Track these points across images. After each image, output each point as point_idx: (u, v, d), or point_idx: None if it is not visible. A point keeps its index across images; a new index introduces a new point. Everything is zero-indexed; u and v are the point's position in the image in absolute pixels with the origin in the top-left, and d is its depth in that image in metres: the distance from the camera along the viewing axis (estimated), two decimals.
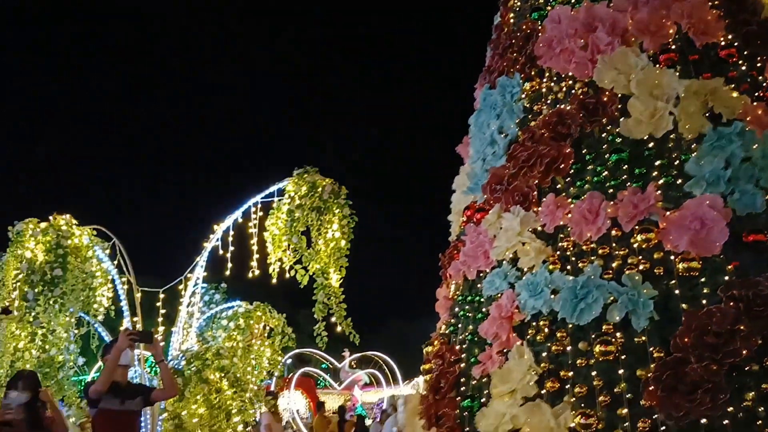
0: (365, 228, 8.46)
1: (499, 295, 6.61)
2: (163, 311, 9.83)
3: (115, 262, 9.35)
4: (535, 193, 6.85)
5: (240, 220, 9.44)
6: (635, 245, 5.83)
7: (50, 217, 8.44)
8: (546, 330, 6.05)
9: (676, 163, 6.12)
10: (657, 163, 6.19)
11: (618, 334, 5.48)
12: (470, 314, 7.18)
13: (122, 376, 4.82)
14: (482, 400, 6.33)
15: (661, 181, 6.05)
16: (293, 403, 19.66)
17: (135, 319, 9.19)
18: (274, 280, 8.54)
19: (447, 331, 7.61)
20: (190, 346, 9.57)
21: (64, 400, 8.69)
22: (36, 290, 8.01)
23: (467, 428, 6.36)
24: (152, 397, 4.90)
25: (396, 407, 9.52)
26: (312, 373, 24.04)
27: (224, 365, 8.77)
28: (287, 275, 8.59)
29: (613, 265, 5.84)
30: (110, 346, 4.84)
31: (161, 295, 9.91)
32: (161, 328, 9.53)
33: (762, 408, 4.89)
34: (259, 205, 9.17)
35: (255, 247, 8.98)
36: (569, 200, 6.45)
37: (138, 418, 4.87)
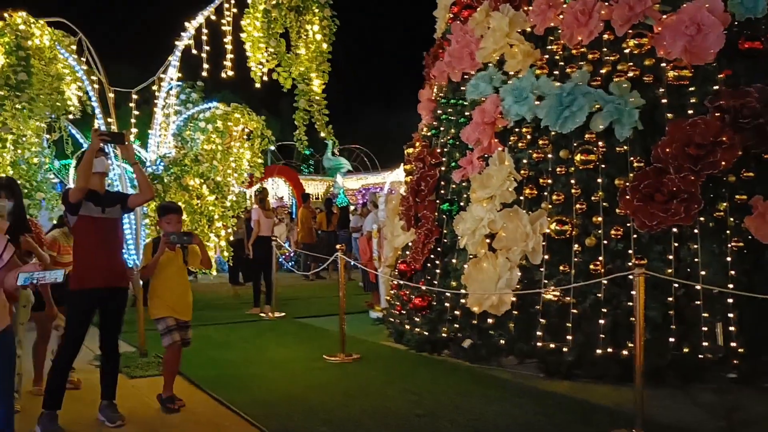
0: (344, 13, 7.93)
1: (483, 99, 6.46)
2: (136, 113, 9.54)
3: (83, 59, 8.90)
4: None
5: (213, 17, 8.86)
6: (627, 51, 5.59)
7: (5, 15, 7.84)
8: (528, 137, 5.99)
9: None
10: None
11: (600, 143, 5.44)
12: (453, 118, 7.07)
13: (100, 186, 4.72)
14: (461, 204, 6.46)
15: None
16: (276, 189, 20.04)
17: (109, 120, 8.94)
18: (258, 85, 8.19)
19: (429, 134, 7.54)
20: (167, 150, 9.43)
21: (46, 202, 8.72)
22: (1, 94, 7.67)
23: (445, 231, 6.55)
24: (129, 202, 4.84)
25: (377, 204, 9.67)
26: (294, 164, 24.33)
27: (203, 171, 8.71)
28: (266, 79, 8.25)
29: (602, 71, 5.64)
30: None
31: (134, 96, 9.57)
32: (134, 130, 9.29)
33: (732, 218, 5.03)
34: (233, 1, 8.57)
35: (229, 47, 8.51)
36: (562, 0, 6.10)
37: (120, 224, 4.86)
